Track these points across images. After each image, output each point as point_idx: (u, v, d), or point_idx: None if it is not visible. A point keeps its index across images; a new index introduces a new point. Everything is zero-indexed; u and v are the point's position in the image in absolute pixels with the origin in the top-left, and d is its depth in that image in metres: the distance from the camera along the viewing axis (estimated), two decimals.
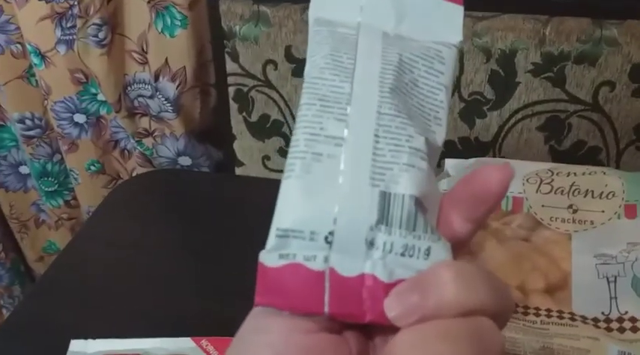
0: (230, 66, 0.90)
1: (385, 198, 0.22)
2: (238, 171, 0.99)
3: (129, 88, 0.94)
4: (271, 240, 0.23)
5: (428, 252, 0.22)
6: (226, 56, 0.89)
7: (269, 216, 0.24)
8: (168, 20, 0.87)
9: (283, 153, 0.95)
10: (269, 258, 0.23)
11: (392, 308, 0.21)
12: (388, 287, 0.22)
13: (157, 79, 0.91)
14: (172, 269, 0.62)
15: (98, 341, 0.46)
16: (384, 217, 0.22)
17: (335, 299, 0.22)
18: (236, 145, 0.97)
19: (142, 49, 0.90)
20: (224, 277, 0.55)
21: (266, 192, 0.34)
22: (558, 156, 0.86)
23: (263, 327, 0.23)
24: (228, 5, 0.87)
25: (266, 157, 0.96)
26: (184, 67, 0.90)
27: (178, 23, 0.87)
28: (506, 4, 0.80)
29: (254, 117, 0.93)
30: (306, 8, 0.88)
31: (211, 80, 0.94)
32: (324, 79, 0.26)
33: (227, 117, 0.94)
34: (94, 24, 0.84)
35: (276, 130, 0.94)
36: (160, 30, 0.87)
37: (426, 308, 0.20)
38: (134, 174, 1.05)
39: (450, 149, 0.89)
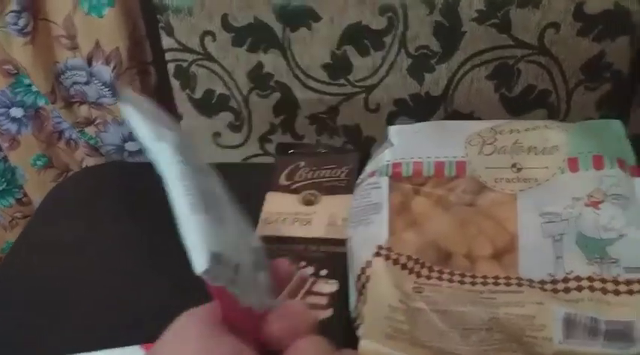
0: (166, 41, 0.86)
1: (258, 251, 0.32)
2: None
3: (62, 76, 0.89)
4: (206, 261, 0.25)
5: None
6: (161, 31, 0.85)
7: None
8: (94, 0, 0.81)
9: (234, 128, 0.92)
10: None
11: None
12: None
13: (90, 63, 0.86)
14: (126, 269, 0.59)
15: None
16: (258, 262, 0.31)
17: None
18: (183, 124, 0.93)
19: (70, 33, 0.84)
20: (182, 274, 0.53)
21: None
22: (509, 103, 0.85)
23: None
24: None
25: (216, 134, 0.93)
26: (117, 48, 0.85)
27: (105, 1, 0.82)
28: None
29: (198, 94, 0.89)
30: None
31: (149, 58, 0.89)
32: None
33: (170, 96, 0.91)
34: (12, 11, 0.79)
35: (223, 105, 0.90)
36: (86, 11, 0.82)
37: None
38: (84, 165, 1.01)
39: (402, 106, 0.88)
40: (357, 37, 0.82)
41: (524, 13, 0.78)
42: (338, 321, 0.43)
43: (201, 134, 0.94)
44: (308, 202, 0.54)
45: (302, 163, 0.59)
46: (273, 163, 0.61)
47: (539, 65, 0.82)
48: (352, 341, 0.40)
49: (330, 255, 0.47)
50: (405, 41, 0.82)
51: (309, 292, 0.45)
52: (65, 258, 0.54)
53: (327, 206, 0.53)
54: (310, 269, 0.47)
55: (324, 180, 0.56)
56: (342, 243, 0.47)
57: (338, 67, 0.85)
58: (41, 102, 0.95)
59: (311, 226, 0.51)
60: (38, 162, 0.98)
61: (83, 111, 0.92)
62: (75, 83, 0.89)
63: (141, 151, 0.96)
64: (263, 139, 0.94)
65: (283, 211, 0.53)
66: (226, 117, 0.91)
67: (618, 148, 0.43)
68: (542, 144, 0.44)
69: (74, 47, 0.85)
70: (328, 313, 0.44)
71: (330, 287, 0.45)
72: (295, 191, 0.56)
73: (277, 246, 0.50)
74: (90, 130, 0.94)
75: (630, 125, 0.87)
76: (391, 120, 0.90)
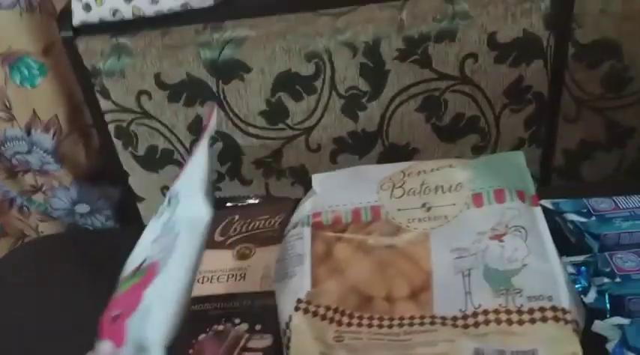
0: (104, 104, 0.87)
1: None
2: (141, 206, 0.97)
3: (2, 148, 0.89)
4: None
5: None
6: (97, 95, 0.87)
7: None
8: (25, 71, 0.83)
9: None
10: None
11: None
12: None
13: (29, 132, 0.87)
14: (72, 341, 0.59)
15: None
16: None
17: None
18: (131, 181, 0.94)
19: (5, 106, 0.85)
20: None
21: None
22: (441, 132, 0.89)
23: None
24: (86, 43, 0.84)
25: (165, 187, 0.95)
26: (56, 115, 0.87)
27: (37, 72, 0.83)
28: None
29: (141, 151, 0.91)
30: (167, 33, 0.86)
31: (89, 121, 0.91)
32: None
33: (115, 156, 0.92)
34: None
35: (167, 159, 0.92)
36: (18, 83, 0.83)
37: None
38: (40, 230, 1.01)
39: (342, 144, 0.91)
40: (289, 83, 0.85)
41: (441, 47, 0.82)
42: None
43: (149, 189, 0.95)
44: (243, 256, 0.54)
45: (236, 217, 0.58)
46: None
47: (464, 94, 0.86)
48: None
49: (265, 309, 0.47)
50: (335, 84, 0.85)
51: (244, 349, 0.44)
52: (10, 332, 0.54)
53: (262, 258, 0.53)
54: (245, 326, 0.46)
55: (258, 231, 0.56)
56: (274, 294, 0.48)
57: (275, 113, 0.88)
58: None
59: (245, 281, 0.51)
60: None
61: (28, 179, 0.93)
62: (16, 153, 0.90)
63: (91, 212, 0.97)
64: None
65: (217, 269, 0.52)
66: (172, 170, 0.93)
67: (519, 180, 0.46)
68: (448, 182, 0.46)
69: (10, 118, 0.86)
70: None
71: (265, 342, 0.44)
72: (230, 246, 0.55)
73: (212, 305, 0.49)
74: (38, 197, 0.94)
75: (559, 140, 0.92)
76: (334, 157, 0.93)
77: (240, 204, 0.62)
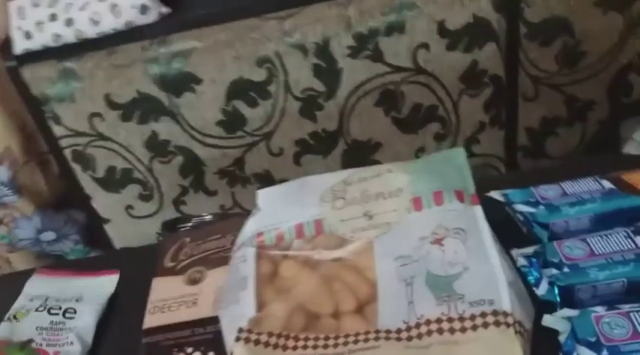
0: (57, 130, 0.86)
1: None
2: (107, 227, 0.96)
3: None
4: None
5: None
6: (50, 121, 0.85)
7: None
8: None
9: (144, 197, 0.93)
10: None
11: None
12: None
13: None
14: None
15: None
16: None
17: None
18: (95, 204, 0.93)
19: None
20: None
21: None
22: (402, 124, 0.88)
23: None
24: (31, 70, 0.82)
25: (129, 207, 0.94)
26: (9, 146, 0.85)
27: None
28: None
29: (100, 173, 0.90)
30: (114, 52, 0.84)
31: (44, 149, 0.89)
32: None
33: (75, 180, 0.91)
34: None
35: (127, 178, 0.91)
36: None
37: None
38: (11, 262, 1.00)
39: (304, 145, 0.90)
40: (242, 91, 0.84)
41: (392, 40, 0.81)
42: None
43: (113, 210, 0.94)
44: (193, 281, 0.51)
45: (187, 239, 0.55)
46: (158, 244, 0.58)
47: (420, 84, 0.85)
48: None
49: (217, 334, 0.44)
50: (289, 86, 0.84)
51: None
52: None
53: (213, 281, 0.50)
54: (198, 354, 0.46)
55: (209, 253, 0.53)
56: None
57: (232, 122, 0.87)
58: None
59: (197, 306, 0.48)
60: None
61: None
62: None
63: (58, 239, 0.96)
64: (177, 202, 0.94)
65: (168, 297, 0.50)
66: (134, 188, 0.92)
67: (458, 180, 0.45)
68: (388, 188, 0.45)
69: None
70: None
71: None
72: (180, 271, 0.52)
73: (164, 335, 0.47)
74: (1, 230, 0.93)
75: (520, 119, 0.91)
76: (297, 159, 0.92)
77: (192, 225, 0.60)
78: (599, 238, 0.48)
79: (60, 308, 0.53)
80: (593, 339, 0.39)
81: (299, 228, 0.47)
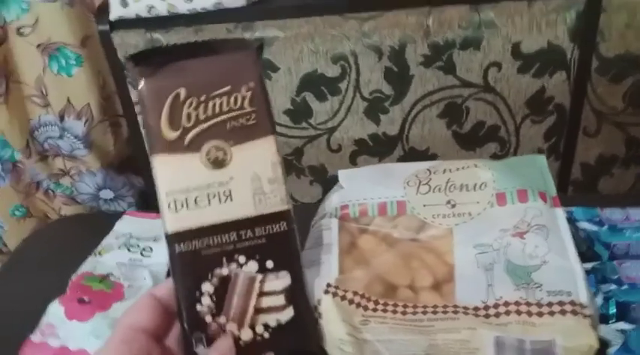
0: (135, 95, 0.90)
1: None
2: None
3: (36, 132, 0.92)
4: None
5: None
6: (129, 86, 0.89)
7: None
8: (63, 61, 0.86)
9: None
10: None
11: None
12: None
13: (62, 119, 0.90)
14: None
15: None
16: None
17: None
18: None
19: (42, 92, 0.88)
20: None
21: None
22: (462, 139, 0.91)
23: None
24: (122, 36, 0.86)
25: None
26: (88, 104, 0.89)
27: (73, 62, 0.86)
28: (389, 2, 0.83)
29: None
30: (200, 30, 0.89)
31: (120, 111, 0.94)
32: None
33: (142, 146, 0.94)
34: None
35: None
36: (55, 71, 0.86)
37: None
38: (62, 213, 1.04)
39: (362, 146, 0.93)
40: (314, 84, 0.87)
41: (466, 54, 0.84)
42: (301, 321, 0.37)
43: None
44: (217, 163, 0.37)
45: (182, 91, 0.37)
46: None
47: (486, 102, 0.88)
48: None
49: (271, 239, 0.36)
50: (359, 86, 0.87)
51: (262, 293, 0.36)
52: (35, 305, 0.55)
53: (244, 163, 0.37)
54: (254, 265, 0.36)
55: (223, 117, 0.37)
56: (278, 217, 0.37)
57: (299, 112, 0.90)
58: (18, 156, 0.98)
59: (233, 202, 0.36)
60: (17, 212, 1.00)
61: (58, 163, 0.96)
62: (48, 138, 0.93)
63: (115, 199, 1.00)
64: None
65: (189, 186, 0.36)
66: None
67: (541, 182, 0.48)
68: (473, 181, 0.48)
69: (46, 105, 0.89)
70: (289, 313, 0.37)
71: (283, 281, 0.36)
72: (192, 147, 0.37)
73: (200, 241, 0.36)
74: (65, 181, 0.97)
75: (577, 154, 0.93)
76: (354, 158, 0.95)
77: (174, 59, 0.37)
78: None
79: (139, 247, 0.56)
80: None
81: (382, 206, 0.49)
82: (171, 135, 0.36)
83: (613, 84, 0.85)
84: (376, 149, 0.92)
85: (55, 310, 0.51)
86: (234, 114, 0.37)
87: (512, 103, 0.88)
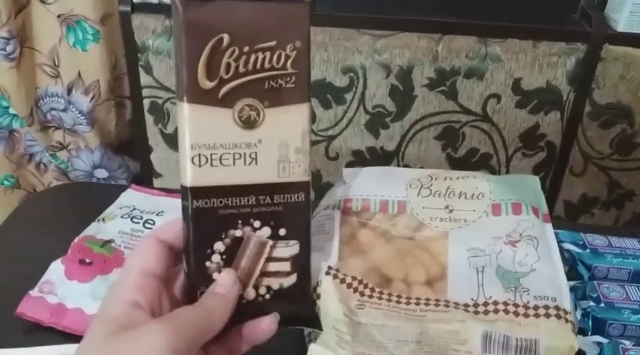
0: (144, 79, 0.92)
1: None
2: (156, 182, 1.00)
3: (41, 102, 0.93)
4: None
5: None
6: (140, 69, 0.91)
7: None
8: (80, 34, 0.87)
9: None
10: None
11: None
12: None
13: (69, 92, 0.91)
14: None
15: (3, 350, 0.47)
16: None
17: None
18: (153, 157, 0.98)
19: (54, 63, 0.90)
20: None
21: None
22: (454, 162, 0.94)
23: None
24: (141, 20, 0.89)
25: None
26: (98, 81, 0.91)
27: (90, 37, 0.88)
28: (404, 24, 0.87)
29: (170, 129, 0.95)
30: None
31: (126, 93, 0.95)
32: None
33: (143, 129, 0.96)
34: (1, 37, 0.83)
35: None
36: (71, 44, 0.88)
37: None
38: None
39: (359, 157, 0.96)
40: (322, 91, 0.90)
41: (469, 83, 0.88)
42: (301, 288, 0.39)
43: (169, 167, 0.99)
44: (248, 123, 0.35)
45: (225, 36, 0.34)
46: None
47: (482, 131, 0.92)
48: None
49: (287, 208, 0.37)
50: (364, 99, 0.90)
51: (270, 258, 0.37)
52: (26, 267, 0.56)
53: (274, 127, 0.36)
54: (267, 231, 0.37)
55: (262, 75, 0.35)
56: (297, 187, 0.37)
57: None
58: (16, 125, 0.98)
59: (257, 165, 0.36)
60: (6, 182, 1.00)
61: (58, 135, 0.96)
62: (52, 109, 0.93)
63: (108, 179, 1.00)
64: None
65: (217, 142, 0.35)
66: None
67: (534, 199, 0.51)
68: (472, 191, 0.51)
69: (56, 76, 0.90)
70: (292, 280, 0.38)
71: (292, 249, 0.38)
72: (226, 101, 0.35)
73: (221, 200, 0.35)
74: (62, 155, 0.97)
75: (562, 191, 0.98)
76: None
77: None
78: (636, 288, 0.54)
79: (142, 219, 0.58)
80: None
81: (384, 204, 0.52)
82: (206, 84, 0.34)
83: (602, 129, 0.89)
84: (372, 162, 0.95)
85: (56, 268, 0.52)
86: (274, 73, 0.35)
87: (507, 135, 0.92)
